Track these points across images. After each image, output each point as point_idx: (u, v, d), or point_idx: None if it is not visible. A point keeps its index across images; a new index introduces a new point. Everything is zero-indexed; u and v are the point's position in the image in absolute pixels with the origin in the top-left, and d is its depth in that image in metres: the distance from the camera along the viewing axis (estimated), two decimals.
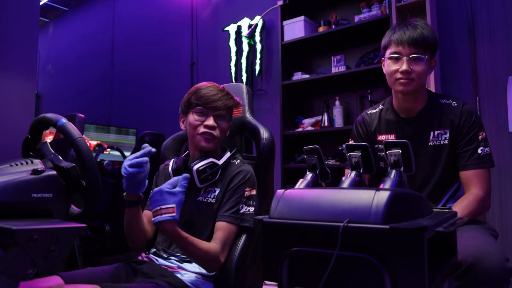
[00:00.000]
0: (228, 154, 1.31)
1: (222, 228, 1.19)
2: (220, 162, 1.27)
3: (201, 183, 1.24)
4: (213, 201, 1.25)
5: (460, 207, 1.25)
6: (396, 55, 1.31)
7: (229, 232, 1.19)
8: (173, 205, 1.04)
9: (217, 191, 1.25)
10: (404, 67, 1.29)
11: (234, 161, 1.32)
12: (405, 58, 1.29)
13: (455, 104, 1.36)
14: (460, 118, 1.33)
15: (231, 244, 1.20)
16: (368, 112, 1.53)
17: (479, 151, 1.30)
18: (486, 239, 1.17)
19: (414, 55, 1.29)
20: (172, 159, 1.31)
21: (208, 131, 1.24)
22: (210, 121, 1.25)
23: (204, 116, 1.26)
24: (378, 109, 1.50)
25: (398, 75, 1.31)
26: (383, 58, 1.39)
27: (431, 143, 1.36)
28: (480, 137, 1.31)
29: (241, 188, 1.24)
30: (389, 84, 1.39)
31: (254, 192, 1.26)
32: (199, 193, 1.28)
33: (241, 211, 1.22)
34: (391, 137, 1.43)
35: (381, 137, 1.45)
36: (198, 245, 1.12)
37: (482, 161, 1.30)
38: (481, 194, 1.28)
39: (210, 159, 1.25)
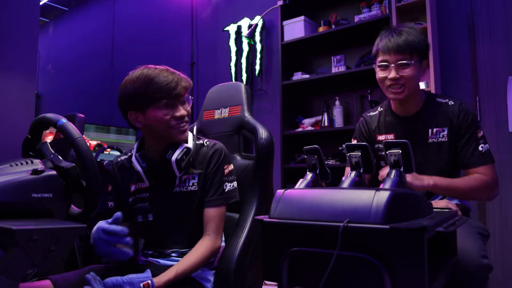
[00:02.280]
0: (190, 135, 1.27)
1: (212, 215, 1.18)
2: (190, 145, 1.22)
3: (180, 171, 1.19)
4: (194, 188, 1.21)
5: (462, 180, 1.31)
6: (384, 63, 1.35)
7: (220, 216, 1.20)
8: None
9: (196, 177, 1.21)
10: (392, 74, 1.33)
11: (202, 141, 1.28)
12: (392, 65, 1.33)
13: (452, 103, 1.39)
14: (458, 117, 1.36)
15: (223, 225, 1.21)
16: (368, 114, 1.57)
17: (480, 148, 1.33)
18: (466, 237, 1.18)
19: (401, 62, 1.32)
20: (132, 157, 1.23)
21: (183, 120, 1.19)
22: (181, 111, 1.18)
23: (172, 107, 1.16)
24: (377, 111, 1.54)
25: (388, 82, 1.35)
26: (374, 65, 1.42)
27: (430, 140, 1.39)
28: (479, 135, 1.35)
29: (220, 168, 1.22)
30: (382, 91, 1.42)
31: (231, 167, 1.26)
32: (174, 183, 1.22)
33: (226, 190, 1.21)
34: (390, 137, 1.46)
35: (381, 137, 1.48)
36: (193, 263, 1.11)
37: (484, 157, 1.33)
38: (488, 179, 1.31)
39: (184, 145, 1.20)
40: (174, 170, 1.18)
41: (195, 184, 1.21)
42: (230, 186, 1.23)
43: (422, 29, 2.42)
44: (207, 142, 1.28)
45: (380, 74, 1.37)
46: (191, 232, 1.21)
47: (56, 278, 1.08)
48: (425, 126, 1.39)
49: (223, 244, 1.24)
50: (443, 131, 1.37)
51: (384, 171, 1.36)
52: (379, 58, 1.37)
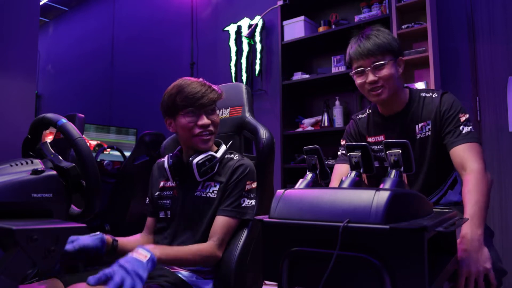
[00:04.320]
0: (223, 147, 1.32)
1: (221, 223, 1.20)
2: (218, 154, 1.27)
3: (201, 176, 1.24)
4: (213, 195, 1.25)
5: (470, 191, 1.17)
6: (359, 69, 1.36)
7: (228, 227, 1.20)
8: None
9: (218, 185, 1.25)
10: (370, 77, 1.33)
11: (233, 155, 1.33)
12: (368, 69, 1.34)
13: (435, 95, 1.38)
14: (440, 107, 1.35)
15: (230, 237, 1.21)
16: (358, 116, 1.57)
17: (461, 128, 1.30)
18: None
19: (375, 64, 1.32)
20: (166, 155, 1.32)
21: (204, 130, 1.25)
22: (204, 120, 1.24)
23: (196, 116, 1.24)
24: (366, 113, 1.54)
25: (368, 86, 1.35)
26: (351, 73, 1.42)
27: (417, 136, 1.38)
28: (462, 119, 1.31)
29: (242, 182, 1.24)
30: (365, 96, 1.42)
31: (254, 185, 1.27)
32: (196, 187, 1.28)
33: (243, 205, 1.22)
34: (380, 138, 1.45)
35: (370, 139, 1.49)
36: (185, 255, 1.13)
37: (468, 136, 1.28)
38: (481, 167, 1.22)
39: (209, 152, 1.26)
40: (195, 174, 1.23)
41: (215, 191, 1.25)
42: (248, 202, 1.24)
43: (422, 29, 2.43)
44: (237, 157, 1.32)
45: (358, 80, 1.38)
46: (199, 238, 1.22)
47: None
48: (412, 122, 1.39)
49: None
50: (428, 125, 1.36)
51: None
52: (354, 65, 1.38)
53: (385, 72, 1.32)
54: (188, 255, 1.12)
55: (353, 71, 1.38)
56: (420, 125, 1.37)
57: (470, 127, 1.30)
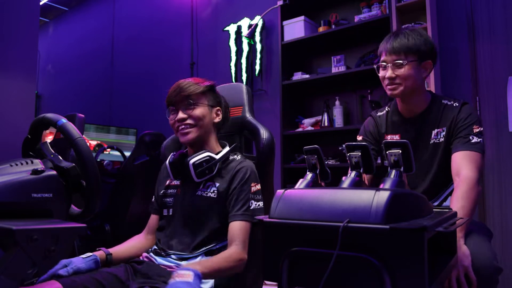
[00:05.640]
0: (226, 149, 1.32)
1: (238, 228, 1.19)
2: (218, 156, 1.27)
3: (198, 177, 1.24)
4: (213, 195, 1.25)
5: (459, 197, 1.21)
6: (383, 63, 1.41)
7: (246, 230, 1.20)
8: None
9: (217, 185, 1.26)
10: (388, 73, 1.39)
11: (235, 156, 1.33)
12: (389, 65, 1.39)
13: (456, 105, 1.41)
14: (457, 116, 1.38)
15: (248, 240, 1.21)
16: (376, 114, 1.59)
17: (471, 137, 1.32)
18: (478, 239, 1.20)
19: (396, 62, 1.37)
20: (171, 153, 1.33)
21: (180, 124, 1.28)
22: (179, 115, 1.28)
23: (175, 113, 1.29)
24: (385, 111, 1.56)
25: (386, 81, 1.41)
26: (375, 65, 1.46)
27: (431, 141, 1.41)
28: (475, 130, 1.34)
29: (247, 185, 1.24)
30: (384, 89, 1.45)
31: (259, 186, 1.27)
32: (198, 187, 1.28)
33: (252, 207, 1.22)
34: (396, 137, 1.48)
35: (388, 137, 1.51)
36: (220, 262, 1.11)
37: (474, 146, 1.31)
38: (471, 175, 1.24)
39: (207, 153, 1.25)
40: (192, 174, 1.24)
41: (215, 191, 1.25)
42: (256, 204, 1.24)
43: (422, 29, 2.42)
44: (239, 158, 1.32)
45: (380, 73, 1.43)
46: (198, 238, 1.22)
47: (65, 282, 1.06)
48: (429, 127, 1.41)
49: None
50: (443, 131, 1.39)
51: None
52: (381, 59, 1.43)
53: (403, 71, 1.36)
54: (222, 262, 1.11)
55: (377, 64, 1.44)
56: (436, 130, 1.40)
57: (481, 139, 1.32)
